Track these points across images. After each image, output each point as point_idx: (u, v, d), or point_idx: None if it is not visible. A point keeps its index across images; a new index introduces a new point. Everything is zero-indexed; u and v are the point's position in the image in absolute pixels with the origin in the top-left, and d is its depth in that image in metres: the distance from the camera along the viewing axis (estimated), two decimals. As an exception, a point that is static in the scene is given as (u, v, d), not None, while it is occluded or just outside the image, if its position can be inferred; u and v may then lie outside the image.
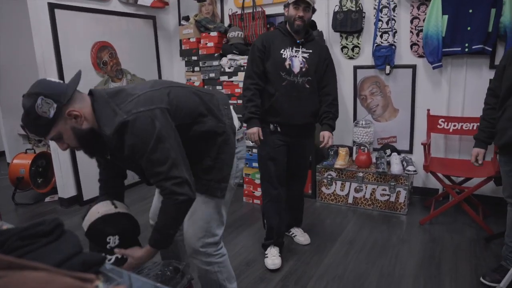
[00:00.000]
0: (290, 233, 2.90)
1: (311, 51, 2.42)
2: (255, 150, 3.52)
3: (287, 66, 2.37)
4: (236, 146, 1.72)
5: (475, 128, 3.13)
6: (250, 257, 2.66)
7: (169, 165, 1.38)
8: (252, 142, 2.43)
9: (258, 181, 3.53)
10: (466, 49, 3.11)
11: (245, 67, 2.56)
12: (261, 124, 2.44)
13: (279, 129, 2.45)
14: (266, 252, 2.59)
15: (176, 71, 4.63)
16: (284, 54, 2.38)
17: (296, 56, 2.39)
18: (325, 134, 2.44)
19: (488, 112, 2.27)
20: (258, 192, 3.54)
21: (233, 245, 2.83)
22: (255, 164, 3.51)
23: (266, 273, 2.45)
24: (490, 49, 3.06)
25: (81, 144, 1.43)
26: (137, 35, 4.14)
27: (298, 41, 2.41)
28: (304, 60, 2.39)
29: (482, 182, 2.84)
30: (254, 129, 2.38)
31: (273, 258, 2.51)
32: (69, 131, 1.36)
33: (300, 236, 2.85)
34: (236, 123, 1.74)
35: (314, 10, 2.44)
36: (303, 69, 2.39)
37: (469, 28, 3.08)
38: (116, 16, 3.88)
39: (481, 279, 2.27)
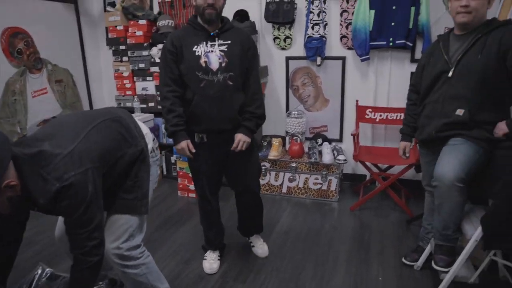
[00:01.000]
0: (249, 241, 2.68)
1: (229, 42, 2.11)
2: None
3: (203, 64, 2.06)
4: (152, 156, 1.79)
5: (399, 118, 3.33)
6: (188, 255, 2.63)
7: (94, 226, 1.43)
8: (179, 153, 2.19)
9: (193, 175, 3.48)
10: (391, 43, 3.27)
11: (159, 74, 2.24)
12: (188, 133, 2.18)
13: (205, 139, 2.18)
14: (205, 255, 2.52)
15: (103, 61, 4.36)
16: (198, 51, 2.07)
17: (212, 51, 2.07)
18: (237, 136, 2.18)
19: (410, 107, 2.42)
20: (192, 186, 3.50)
21: (170, 242, 2.78)
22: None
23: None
24: (411, 44, 3.24)
25: (14, 211, 1.37)
26: (56, 21, 3.82)
27: (212, 33, 2.09)
28: (222, 53, 2.08)
29: (404, 169, 3.05)
30: (182, 144, 2.12)
31: (211, 262, 2.46)
32: (5, 201, 1.30)
33: (259, 247, 2.61)
34: (148, 136, 1.79)
35: None
36: (223, 64, 2.08)
37: (393, 24, 3.23)
38: (30, -1, 3.55)
39: (403, 259, 2.47)
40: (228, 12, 3.69)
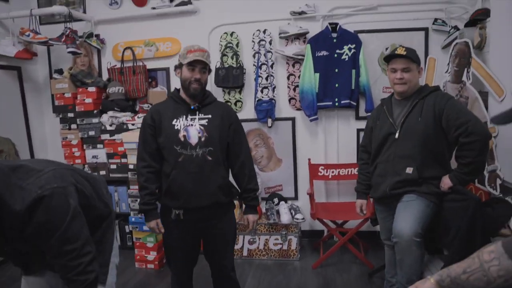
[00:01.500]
0: None
1: (210, 116, 2.07)
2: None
3: (182, 138, 2.01)
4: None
5: (351, 173, 3.49)
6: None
7: (83, 241, 1.35)
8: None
9: (150, 245, 3.33)
10: (336, 103, 3.49)
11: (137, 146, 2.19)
12: (163, 211, 2.14)
13: (181, 216, 2.06)
14: None
15: (48, 129, 4.19)
16: (177, 125, 2.03)
17: (192, 125, 2.04)
18: (249, 218, 2.23)
19: (363, 166, 2.56)
20: (151, 256, 3.34)
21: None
22: (146, 228, 3.31)
23: None
24: (354, 103, 3.49)
25: None
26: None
27: (192, 107, 2.07)
28: (202, 128, 2.04)
29: (361, 223, 3.15)
30: (152, 223, 2.08)
31: None
32: None
33: None
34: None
35: (210, 71, 2.14)
36: (202, 139, 2.02)
37: (337, 85, 3.47)
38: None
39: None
40: (176, 79, 3.75)
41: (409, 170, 2.23)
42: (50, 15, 3.77)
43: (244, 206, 2.31)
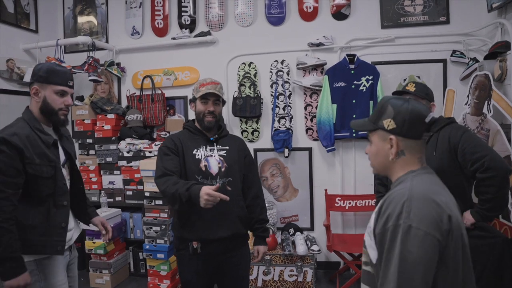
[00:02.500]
0: None
1: (227, 147, 2.10)
2: (159, 241, 3.33)
3: (203, 168, 2.00)
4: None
5: (368, 204, 3.43)
6: None
7: None
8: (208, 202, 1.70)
9: (164, 273, 3.29)
10: (354, 134, 3.47)
11: (155, 170, 2.02)
12: (179, 243, 2.06)
13: (199, 250, 1.99)
14: None
15: (66, 153, 4.25)
16: (198, 155, 2.02)
17: (212, 156, 2.04)
18: (260, 249, 2.19)
19: (379, 199, 2.50)
20: (164, 285, 3.29)
21: None
22: (160, 255, 3.29)
23: None
24: (373, 134, 3.46)
25: None
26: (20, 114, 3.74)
27: (211, 138, 2.08)
28: (221, 159, 2.04)
29: (379, 257, 3.06)
30: (202, 195, 1.67)
31: None
32: None
33: None
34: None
35: (224, 102, 2.15)
36: (222, 169, 2.02)
37: (354, 116, 3.46)
38: (-5, 94, 3.50)
39: None
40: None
41: None
42: (75, 45, 3.91)
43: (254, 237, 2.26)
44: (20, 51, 3.77)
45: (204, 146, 2.06)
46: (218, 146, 2.09)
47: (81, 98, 3.94)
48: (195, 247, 1.98)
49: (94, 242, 3.44)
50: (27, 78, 3.67)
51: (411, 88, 2.20)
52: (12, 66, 3.62)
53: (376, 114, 1.26)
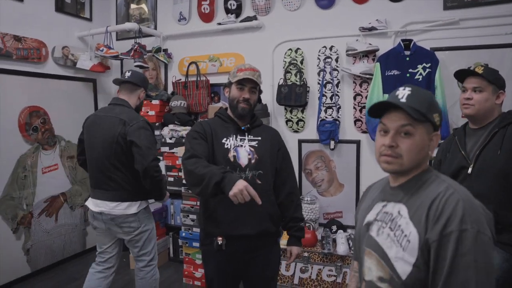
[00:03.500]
0: None
1: (259, 138, 1.94)
2: (195, 229, 3.31)
3: (232, 159, 1.86)
4: None
5: (418, 206, 3.12)
6: None
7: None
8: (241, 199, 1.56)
9: (199, 262, 3.27)
10: (406, 128, 3.16)
11: (183, 153, 1.86)
12: (204, 238, 1.95)
13: (224, 247, 1.82)
14: None
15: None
16: (227, 144, 1.88)
17: (242, 146, 1.89)
18: (293, 250, 2.03)
19: None
20: (199, 273, 3.27)
21: None
22: (196, 244, 3.27)
23: None
24: (428, 129, 3.12)
25: None
26: (74, 99, 3.92)
27: (243, 128, 1.93)
28: (252, 149, 1.90)
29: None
30: (239, 184, 1.54)
31: None
32: None
33: None
34: None
35: (261, 91, 2.01)
36: (252, 161, 1.88)
37: (408, 108, 3.14)
38: (52, 79, 3.66)
39: None
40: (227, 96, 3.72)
41: None
42: (126, 31, 3.96)
43: (288, 236, 2.09)
44: (74, 39, 3.92)
45: (234, 135, 1.91)
46: (249, 136, 1.94)
47: (129, 84, 4.01)
48: (220, 243, 1.82)
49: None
50: (80, 64, 3.80)
51: (479, 70, 1.90)
52: (67, 53, 3.77)
53: (427, 106, 1.09)
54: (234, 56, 3.77)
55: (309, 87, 3.50)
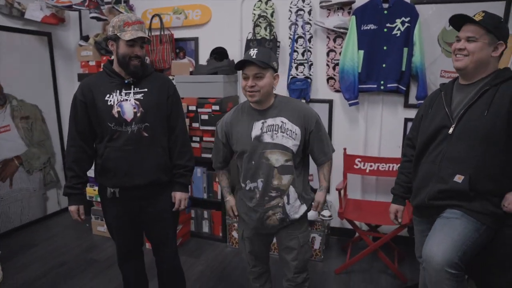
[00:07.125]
0: None
1: (146, 89, 1.94)
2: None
3: (116, 115, 1.88)
4: None
5: (392, 169, 3.00)
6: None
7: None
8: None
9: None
10: (382, 87, 2.97)
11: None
12: (100, 189, 2.06)
13: (117, 194, 1.96)
14: None
15: (75, 96, 4.09)
16: (111, 101, 1.89)
17: (127, 100, 1.90)
18: (176, 196, 2.07)
19: (405, 164, 2.07)
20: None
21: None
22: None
23: None
24: (404, 88, 2.94)
25: None
26: (26, 54, 3.58)
27: (126, 81, 1.91)
28: (137, 103, 1.91)
29: (396, 229, 2.68)
30: (73, 208, 1.98)
31: None
32: None
33: None
34: None
35: (149, 41, 2.06)
36: (138, 114, 1.90)
37: (384, 65, 2.94)
38: (-2, 31, 3.32)
39: None
40: (205, 50, 3.45)
41: (459, 178, 1.69)
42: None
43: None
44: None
45: (118, 91, 1.92)
46: (135, 89, 1.94)
47: (85, 38, 3.68)
48: (112, 191, 1.96)
49: (94, 190, 3.32)
50: (29, 15, 3.45)
51: (478, 16, 1.66)
52: (11, 1, 3.39)
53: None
54: (200, 8, 3.46)
55: (279, 42, 3.24)
